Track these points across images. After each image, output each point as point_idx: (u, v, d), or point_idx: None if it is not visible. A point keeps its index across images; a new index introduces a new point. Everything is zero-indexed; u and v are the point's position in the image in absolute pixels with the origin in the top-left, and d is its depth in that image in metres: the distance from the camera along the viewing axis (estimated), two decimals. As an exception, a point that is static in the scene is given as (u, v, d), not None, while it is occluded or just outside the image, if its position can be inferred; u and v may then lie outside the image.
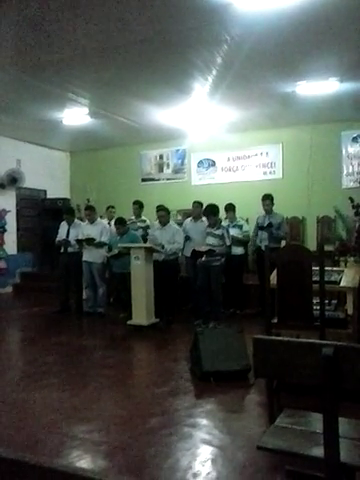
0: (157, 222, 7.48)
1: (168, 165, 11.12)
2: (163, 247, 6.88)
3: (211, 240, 6.59)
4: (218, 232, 6.60)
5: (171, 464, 2.81)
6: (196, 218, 7.44)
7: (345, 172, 9.32)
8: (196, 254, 6.67)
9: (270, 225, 7.25)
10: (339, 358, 1.77)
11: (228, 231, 6.77)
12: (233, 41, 5.44)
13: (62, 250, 7.97)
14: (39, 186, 11.25)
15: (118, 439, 3.17)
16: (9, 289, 10.37)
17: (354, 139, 9.24)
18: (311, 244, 8.80)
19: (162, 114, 8.52)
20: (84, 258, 7.63)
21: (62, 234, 7.97)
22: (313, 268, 3.58)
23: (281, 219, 7.59)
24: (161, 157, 11.17)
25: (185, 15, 4.82)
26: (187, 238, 7.24)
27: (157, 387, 4.24)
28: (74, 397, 3.98)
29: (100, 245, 7.53)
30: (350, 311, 4.06)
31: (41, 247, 11.00)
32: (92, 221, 7.76)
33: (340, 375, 1.77)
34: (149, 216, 8.37)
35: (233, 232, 7.37)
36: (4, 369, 4.98)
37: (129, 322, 6.52)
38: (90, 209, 7.89)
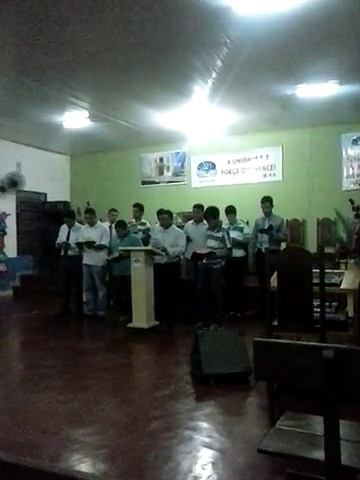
0: (158, 225, 7.48)
1: (168, 168, 11.13)
2: (166, 250, 6.88)
3: (211, 243, 6.58)
4: (218, 235, 6.60)
5: (172, 467, 2.80)
6: (197, 221, 7.44)
7: (345, 174, 9.32)
8: (197, 256, 6.67)
9: (271, 228, 7.26)
10: (340, 361, 1.76)
11: (228, 234, 6.76)
12: (233, 44, 5.46)
13: (62, 253, 7.97)
14: (39, 189, 11.26)
15: (118, 442, 3.16)
16: (9, 292, 10.36)
17: (354, 141, 9.25)
18: (311, 246, 8.79)
19: (162, 117, 8.53)
20: (84, 261, 7.63)
21: (62, 237, 7.98)
22: (313, 270, 3.57)
23: (281, 221, 7.60)
24: (161, 160, 11.18)
25: (185, 18, 4.83)
26: (188, 241, 7.24)
27: (157, 390, 4.23)
28: (74, 400, 3.98)
29: (100, 248, 7.53)
30: (351, 313, 4.06)
31: (41, 250, 11.01)
32: (92, 224, 7.75)
33: (341, 378, 1.77)
34: (149, 219, 8.37)
35: (234, 234, 7.36)
36: (4, 372, 4.97)
37: (129, 325, 6.51)
38: (90, 212, 7.89)
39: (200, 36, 5.27)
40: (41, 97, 7.36)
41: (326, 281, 3.68)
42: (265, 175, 10.04)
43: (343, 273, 4.58)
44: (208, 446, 3.08)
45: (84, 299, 7.88)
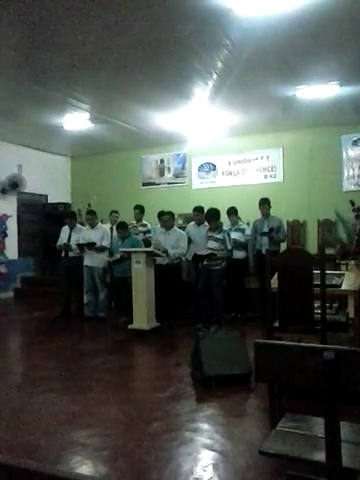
0: (159, 226, 7.47)
1: (169, 169, 11.13)
2: (167, 252, 6.88)
3: (212, 244, 6.58)
4: (219, 236, 6.60)
5: (173, 469, 2.80)
6: (199, 223, 7.43)
7: (346, 175, 9.33)
8: (197, 258, 6.67)
9: (272, 230, 7.27)
10: (340, 362, 1.76)
11: (229, 235, 6.76)
12: (233, 46, 5.46)
13: (63, 255, 7.98)
14: (40, 191, 11.28)
15: (119, 444, 3.16)
16: (10, 294, 10.36)
17: (354, 142, 9.25)
18: (312, 247, 8.79)
19: (163, 118, 8.54)
20: (85, 263, 7.63)
21: (63, 238, 7.98)
22: (314, 272, 3.57)
23: (279, 222, 7.61)
24: (162, 161, 11.19)
25: (186, 20, 4.84)
26: (189, 242, 7.23)
27: (158, 392, 4.22)
28: (75, 402, 3.97)
29: (101, 249, 7.54)
30: (351, 315, 4.05)
31: (42, 252, 11.00)
32: (93, 226, 7.76)
33: (341, 379, 1.77)
34: (150, 220, 8.38)
35: (235, 236, 7.37)
36: (4, 374, 4.97)
37: (130, 326, 6.51)
38: (91, 214, 7.89)
39: (201, 38, 5.28)
40: (42, 99, 7.38)
41: (327, 282, 3.67)
42: (266, 176, 10.04)
43: (344, 274, 4.57)
44: (209, 448, 3.08)
45: (85, 301, 7.88)
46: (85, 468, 2.85)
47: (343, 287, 4.10)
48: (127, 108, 7.96)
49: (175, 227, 7.34)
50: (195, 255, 6.69)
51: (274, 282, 3.74)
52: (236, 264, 7.25)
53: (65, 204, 11.18)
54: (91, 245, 7.49)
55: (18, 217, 10.80)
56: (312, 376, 1.85)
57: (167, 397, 4.05)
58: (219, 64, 6.01)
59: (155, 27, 5.00)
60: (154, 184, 11.26)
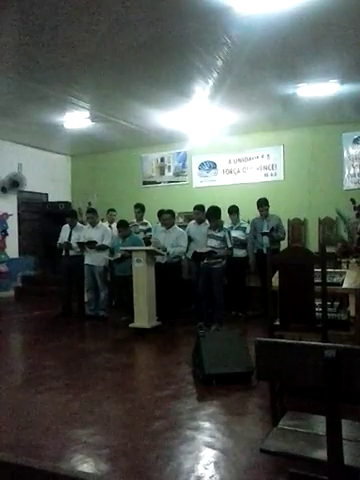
0: (160, 225, 7.47)
1: (169, 168, 11.13)
2: (166, 250, 6.88)
3: (212, 242, 6.58)
4: (220, 234, 6.60)
5: (174, 467, 2.80)
6: (199, 221, 7.43)
7: (346, 173, 9.32)
8: (197, 256, 6.67)
9: (272, 230, 7.27)
10: (341, 360, 1.76)
11: (229, 233, 6.76)
12: (234, 44, 5.45)
13: (64, 253, 7.98)
14: (40, 190, 11.28)
15: (120, 442, 3.16)
16: (11, 293, 10.37)
17: (355, 140, 9.24)
18: (313, 246, 8.80)
19: (163, 117, 8.53)
20: (86, 261, 7.63)
21: (64, 237, 7.98)
22: (315, 270, 3.57)
23: (278, 221, 7.61)
24: (162, 160, 11.19)
25: (185, 18, 4.83)
26: (190, 240, 7.23)
27: (159, 390, 4.23)
28: (76, 400, 3.98)
29: (102, 248, 7.53)
30: (352, 313, 4.05)
31: (43, 251, 11.00)
32: (94, 224, 7.76)
33: (343, 377, 1.77)
34: (151, 219, 8.38)
35: (236, 234, 7.37)
36: (6, 373, 4.97)
37: (131, 325, 6.51)
38: (92, 212, 7.89)
39: (201, 36, 5.27)
40: (42, 98, 7.37)
41: (328, 280, 3.67)
42: (266, 175, 10.03)
43: (345, 272, 4.58)
44: (210, 446, 3.08)
45: (86, 299, 7.88)
46: (86, 466, 2.85)
47: (344, 285, 4.11)
48: (127, 106, 7.95)
49: (175, 226, 7.34)
50: (195, 253, 6.69)
51: (275, 280, 3.74)
52: (237, 262, 7.25)
53: (65, 203, 11.18)
54: (92, 244, 7.49)
55: (18, 216, 10.80)
56: (313, 374, 1.85)
57: (168, 395, 4.05)
58: (219, 62, 6.00)
59: (155, 25, 4.99)
60: (154, 183, 11.26)
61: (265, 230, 7.37)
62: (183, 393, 4.14)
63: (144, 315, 6.42)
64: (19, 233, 10.80)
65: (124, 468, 2.83)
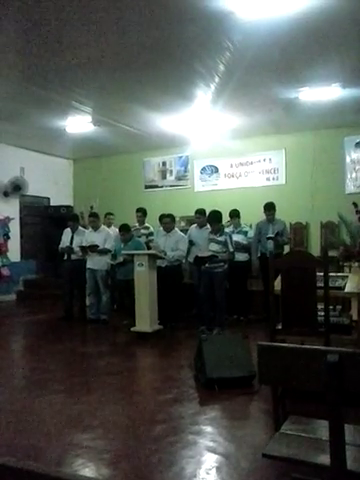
0: (161, 229, 7.49)
1: (171, 172, 11.14)
2: (165, 254, 6.88)
3: (214, 247, 6.58)
4: (221, 239, 6.59)
5: (176, 472, 2.79)
6: (201, 225, 7.43)
7: (349, 177, 9.31)
8: (199, 260, 6.67)
9: (278, 234, 7.26)
10: (344, 364, 1.75)
11: (231, 237, 6.75)
12: (235, 48, 5.47)
13: (66, 257, 7.98)
14: (42, 194, 11.30)
15: (122, 447, 3.15)
16: (13, 296, 10.37)
17: (357, 144, 9.24)
18: (315, 250, 8.79)
19: (165, 121, 8.55)
20: (88, 265, 7.63)
21: (65, 241, 7.99)
22: (317, 274, 3.56)
23: (284, 225, 7.61)
24: (164, 164, 11.20)
25: (188, 23, 4.85)
26: (192, 244, 7.23)
27: (161, 394, 4.22)
28: (77, 404, 3.97)
29: (104, 252, 7.54)
30: (355, 317, 4.05)
31: (44, 254, 11.02)
32: (96, 228, 7.76)
33: (345, 381, 1.76)
34: (152, 223, 8.38)
35: (238, 238, 7.36)
36: (7, 376, 4.97)
37: (133, 329, 6.50)
38: (94, 216, 7.90)
39: (203, 40, 5.29)
40: (44, 102, 7.40)
41: (330, 284, 3.67)
42: (268, 179, 10.04)
43: (347, 276, 4.57)
44: (212, 450, 3.07)
45: (87, 303, 7.88)
46: (88, 470, 2.85)
47: (346, 289, 4.10)
48: (129, 111, 7.97)
49: (175, 229, 7.35)
50: (197, 257, 6.69)
51: (277, 284, 3.73)
52: (238, 266, 7.24)
53: (67, 207, 11.20)
54: (94, 247, 7.49)
55: (20, 220, 10.82)
56: (316, 378, 1.84)
57: (170, 400, 4.04)
58: (221, 67, 6.02)
59: (157, 30, 5.01)
60: (156, 187, 11.27)
61: (270, 234, 7.36)
62: (185, 397, 4.13)
63: (146, 319, 6.42)
64: (21, 237, 10.81)
65: (126, 472, 2.82)
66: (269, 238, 7.32)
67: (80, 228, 8.16)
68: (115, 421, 3.62)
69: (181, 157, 10.96)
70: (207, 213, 7.06)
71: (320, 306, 3.60)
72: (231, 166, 10.38)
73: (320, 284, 3.55)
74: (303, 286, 3.53)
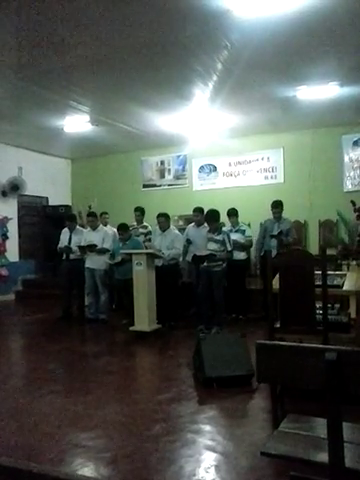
0: (158, 228, 7.49)
1: (169, 171, 11.14)
2: (162, 253, 6.88)
3: (212, 245, 6.57)
4: (219, 237, 6.59)
5: (175, 471, 2.79)
6: (198, 224, 7.42)
7: (346, 175, 9.33)
8: (197, 259, 6.67)
9: (281, 233, 7.25)
10: (342, 363, 1.76)
11: (229, 236, 6.74)
12: (233, 47, 5.47)
13: (64, 257, 7.98)
14: (40, 193, 11.29)
15: (121, 446, 3.15)
16: (11, 296, 10.37)
17: (355, 143, 9.25)
18: (313, 248, 8.80)
19: (163, 120, 8.54)
20: (87, 265, 7.63)
21: (64, 241, 7.99)
22: (315, 272, 3.57)
23: (290, 225, 7.58)
24: (162, 163, 11.20)
25: (185, 22, 4.84)
26: (189, 243, 7.23)
27: (160, 393, 4.22)
28: (76, 404, 3.97)
29: (102, 251, 7.53)
30: (353, 315, 4.05)
31: (43, 254, 11.01)
32: (94, 228, 7.76)
33: (344, 380, 1.76)
34: (151, 222, 8.37)
35: (236, 237, 7.35)
36: (6, 376, 4.97)
37: (131, 328, 6.50)
38: (92, 215, 7.90)
39: (201, 39, 5.28)
40: (42, 101, 7.39)
41: (328, 283, 3.67)
42: (266, 177, 10.05)
43: (345, 274, 4.57)
44: (211, 449, 3.07)
45: (86, 303, 7.88)
46: (87, 470, 2.85)
47: (345, 287, 4.10)
48: (127, 110, 7.97)
49: (171, 228, 7.34)
50: (195, 256, 6.69)
51: (276, 283, 3.74)
52: (237, 265, 7.24)
53: (65, 206, 11.18)
54: (92, 247, 7.49)
55: (19, 219, 10.81)
56: (314, 377, 1.85)
57: (169, 399, 4.04)
58: (219, 65, 6.02)
59: (155, 29, 5.00)
60: (155, 186, 11.27)
61: (274, 232, 7.35)
62: (184, 396, 4.13)
63: (144, 318, 6.42)
64: (19, 237, 10.80)
65: (125, 472, 2.82)
66: (272, 236, 7.31)
67: (78, 227, 8.16)
68: (114, 420, 3.62)
69: (179, 156, 10.96)
70: (205, 212, 7.06)
71: (318, 304, 3.60)
72: (229, 165, 10.38)
73: (318, 282, 3.55)
74: (301, 284, 3.54)
